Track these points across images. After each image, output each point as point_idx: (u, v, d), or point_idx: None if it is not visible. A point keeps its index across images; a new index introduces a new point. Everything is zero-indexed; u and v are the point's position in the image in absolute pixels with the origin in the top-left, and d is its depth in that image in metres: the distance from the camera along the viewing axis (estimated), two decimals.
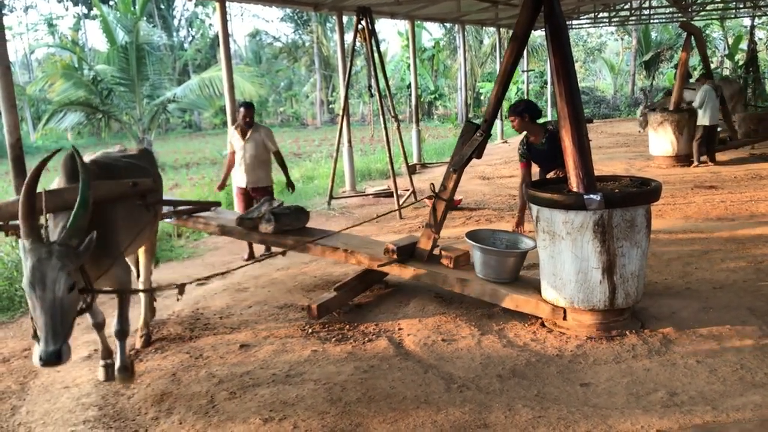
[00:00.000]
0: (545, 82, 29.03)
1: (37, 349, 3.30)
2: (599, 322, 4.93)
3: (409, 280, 5.84)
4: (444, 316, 5.53)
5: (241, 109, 7.97)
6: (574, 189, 4.88)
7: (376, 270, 5.82)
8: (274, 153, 8.03)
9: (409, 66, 23.14)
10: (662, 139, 13.45)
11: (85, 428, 4.01)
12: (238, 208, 8.10)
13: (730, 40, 29.97)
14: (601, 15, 22.30)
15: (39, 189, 3.75)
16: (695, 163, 13.16)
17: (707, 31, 32.62)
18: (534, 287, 5.26)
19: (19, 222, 3.46)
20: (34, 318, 3.40)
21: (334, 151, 11.06)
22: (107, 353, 4.47)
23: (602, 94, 35.97)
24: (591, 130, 18.00)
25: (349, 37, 12.74)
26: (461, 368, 4.56)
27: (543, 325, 5.20)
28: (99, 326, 4.44)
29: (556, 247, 4.88)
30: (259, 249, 7.91)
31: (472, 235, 5.55)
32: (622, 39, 40.78)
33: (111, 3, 32.65)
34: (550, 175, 6.03)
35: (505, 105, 17.48)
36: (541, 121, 6.19)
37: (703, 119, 13.07)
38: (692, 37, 13.96)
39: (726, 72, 30.24)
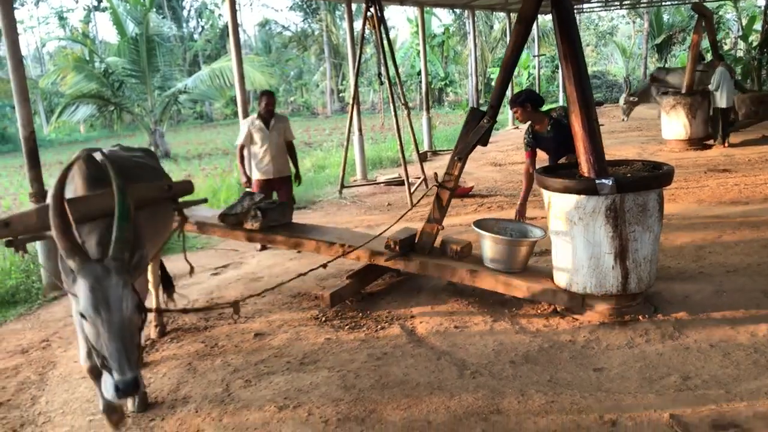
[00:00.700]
0: (557, 67, 28.88)
1: (108, 381, 2.93)
2: (612, 307, 4.93)
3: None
4: (456, 303, 5.54)
5: (264, 98, 7.82)
6: (585, 174, 4.87)
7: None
8: (288, 143, 7.94)
9: (418, 53, 23.05)
10: (675, 123, 13.35)
11: (103, 417, 4.06)
12: None
13: (744, 21, 29.56)
14: None
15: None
16: (720, 143, 13.16)
17: (720, 12, 32.23)
18: (545, 275, 5.25)
19: (56, 239, 3.06)
20: (97, 347, 2.99)
21: (344, 140, 11.06)
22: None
23: (614, 78, 35.69)
24: (602, 115, 17.91)
25: (358, 25, 12.67)
26: (474, 354, 4.58)
27: (556, 311, 5.21)
28: (96, 370, 3.89)
29: (569, 233, 4.87)
30: None
31: (479, 225, 5.47)
32: (633, 22, 40.41)
33: None
34: (562, 160, 5.97)
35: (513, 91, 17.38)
36: (547, 107, 6.17)
37: (720, 101, 13.04)
38: (704, 20, 13.85)
39: (740, 53, 29.90)
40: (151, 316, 5.32)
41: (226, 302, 3.97)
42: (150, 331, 5.28)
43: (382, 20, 10.38)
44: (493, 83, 33.68)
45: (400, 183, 11.43)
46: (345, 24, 14.17)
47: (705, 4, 18.60)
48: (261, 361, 4.72)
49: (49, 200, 3.21)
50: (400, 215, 5.84)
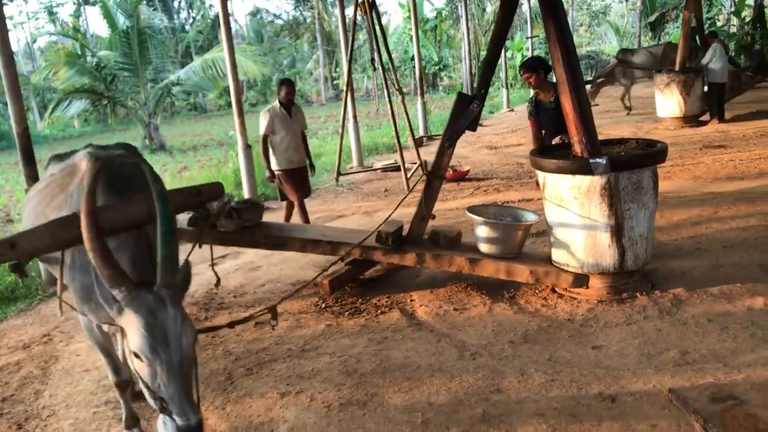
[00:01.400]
0: None
1: (168, 425, 2.50)
2: (609, 285, 4.96)
3: None
4: (455, 285, 5.57)
5: (284, 86, 7.61)
6: (579, 155, 4.89)
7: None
8: (302, 133, 7.78)
9: (411, 38, 22.98)
10: (669, 101, 13.35)
11: (107, 409, 4.10)
12: (290, 193, 7.62)
13: None
14: None
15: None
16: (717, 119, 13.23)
17: None
18: (541, 258, 5.26)
19: (96, 265, 2.56)
20: (152, 387, 2.50)
21: (340, 127, 11.06)
22: (133, 421, 3.76)
23: (608, 58, 35.59)
24: (598, 94, 17.87)
25: (349, 11, 12.65)
26: (473, 336, 4.61)
27: (554, 290, 5.23)
28: (125, 385, 3.68)
29: (565, 213, 4.89)
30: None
31: (473, 211, 5.37)
32: (626, 0, 40.28)
33: None
34: (555, 140, 5.97)
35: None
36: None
37: (714, 76, 13.06)
38: None
39: (733, 29, 29.82)
40: None
41: (263, 309, 3.77)
42: None
43: (373, 6, 10.34)
44: None
45: (397, 168, 11.44)
46: (337, 11, 14.11)
47: None
48: (262, 349, 4.75)
49: (84, 221, 2.61)
50: (398, 202, 5.80)
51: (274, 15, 44.48)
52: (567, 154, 5.07)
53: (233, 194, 6.99)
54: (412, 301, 5.40)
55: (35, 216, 3.38)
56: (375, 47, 10.60)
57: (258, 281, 6.38)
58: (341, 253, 5.41)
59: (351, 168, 12.67)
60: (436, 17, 35.12)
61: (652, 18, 33.82)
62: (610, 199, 4.70)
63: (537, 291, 5.29)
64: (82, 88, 20.68)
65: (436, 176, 5.38)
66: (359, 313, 5.27)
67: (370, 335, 4.78)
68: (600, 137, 5.20)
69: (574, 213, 4.83)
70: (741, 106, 14.75)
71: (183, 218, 5.65)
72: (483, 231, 5.16)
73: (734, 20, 29.49)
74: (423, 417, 3.61)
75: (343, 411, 3.76)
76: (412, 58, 23.76)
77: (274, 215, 8.76)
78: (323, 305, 5.49)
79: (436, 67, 35.46)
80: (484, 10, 33.98)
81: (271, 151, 7.52)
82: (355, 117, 12.66)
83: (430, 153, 12.16)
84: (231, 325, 3.92)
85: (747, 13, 28.32)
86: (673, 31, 33.36)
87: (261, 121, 7.53)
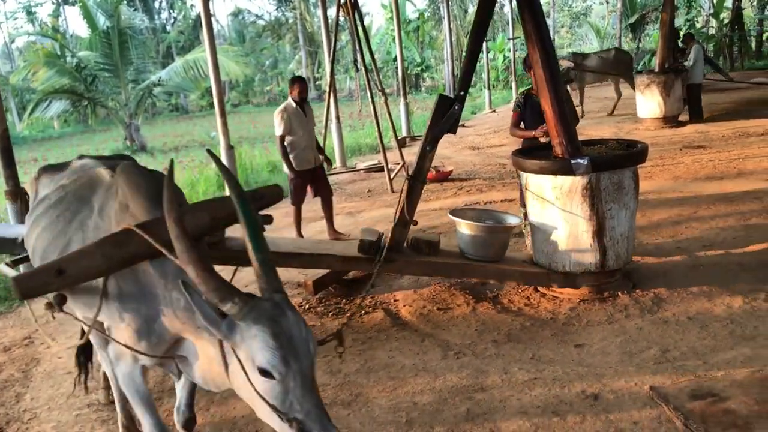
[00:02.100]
0: None
1: None
2: (591, 284, 5.00)
3: None
4: (438, 285, 5.59)
5: (297, 84, 7.42)
6: (560, 155, 4.93)
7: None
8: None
9: (394, 39, 23.03)
10: (649, 101, 13.47)
11: (89, 411, 4.07)
12: (307, 192, 7.51)
13: None
14: None
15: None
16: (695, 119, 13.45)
17: None
18: (524, 260, 5.30)
19: (198, 280, 2.18)
20: (283, 408, 2.17)
21: (322, 128, 11.05)
22: None
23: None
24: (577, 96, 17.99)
25: (332, 12, 12.65)
26: (457, 335, 4.63)
27: (536, 290, 5.27)
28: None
29: (547, 213, 4.93)
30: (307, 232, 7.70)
31: (455, 215, 5.28)
32: (607, 2, 40.61)
33: None
34: (538, 131, 5.83)
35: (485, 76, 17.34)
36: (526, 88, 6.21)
37: (695, 77, 13.28)
38: None
39: (712, 31, 30.19)
40: None
41: (329, 335, 3.50)
42: None
43: (356, 7, 10.35)
44: None
45: (380, 169, 11.45)
46: (319, 11, 14.10)
47: None
48: None
49: (174, 231, 2.26)
50: (378, 201, 5.80)
51: (256, 15, 44.36)
52: (548, 155, 5.11)
53: None
54: (396, 301, 5.41)
55: (51, 237, 2.98)
56: (358, 48, 10.61)
57: (241, 282, 6.34)
58: (322, 266, 5.41)
59: (334, 169, 12.66)
60: (419, 18, 35.21)
61: (632, 20, 34.08)
62: (591, 199, 4.75)
63: (520, 290, 5.32)
64: (62, 89, 20.50)
65: (417, 181, 5.24)
66: (343, 313, 5.27)
67: (354, 335, 4.79)
68: (581, 138, 5.25)
69: (555, 213, 4.87)
70: (720, 107, 14.93)
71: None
72: (469, 235, 5.11)
73: (713, 22, 29.86)
74: (407, 416, 3.63)
75: (328, 411, 3.75)
76: (395, 59, 23.80)
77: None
78: (307, 306, 5.49)
79: (419, 68, 35.55)
80: (466, 11, 34.12)
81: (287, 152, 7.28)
82: (338, 117, 12.66)
83: (413, 153, 12.13)
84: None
85: (725, 15, 28.70)
86: (653, 33, 33.65)
87: (276, 122, 7.30)
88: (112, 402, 3.71)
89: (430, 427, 3.50)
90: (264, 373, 2.15)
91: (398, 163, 11.07)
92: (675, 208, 7.31)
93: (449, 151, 13.35)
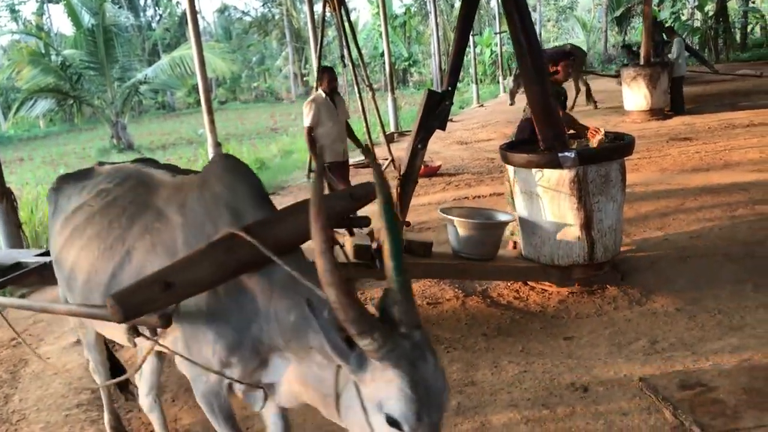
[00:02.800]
0: None
1: None
2: (580, 276, 5.02)
3: None
4: (428, 279, 5.59)
5: (326, 74, 7.21)
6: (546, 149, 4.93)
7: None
8: (346, 123, 7.38)
9: (381, 34, 23.00)
10: (636, 94, 13.52)
11: (78, 411, 4.05)
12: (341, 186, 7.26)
13: None
14: None
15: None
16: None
17: None
18: (515, 256, 5.30)
19: (339, 306, 1.79)
20: None
21: (354, 120, 11.02)
22: None
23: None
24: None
25: (318, 7, 12.59)
26: (447, 329, 4.64)
27: (525, 283, 5.29)
28: None
29: (535, 206, 4.94)
30: None
31: (447, 213, 5.18)
32: None
33: None
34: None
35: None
36: None
37: (678, 70, 13.39)
38: None
39: (697, 23, 30.34)
40: None
41: None
42: None
43: (342, 2, 10.31)
44: None
45: (368, 165, 11.41)
46: (305, 7, 14.08)
47: None
48: None
49: (320, 246, 1.81)
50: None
51: (243, 12, 44.24)
52: (536, 149, 5.12)
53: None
54: None
55: (104, 246, 2.63)
56: (344, 43, 10.57)
57: None
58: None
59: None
60: (405, 13, 35.19)
61: (617, 13, 34.24)
62: (578, 192, 4.75)
63: (509, 284, 5.33)
64: (47, 88, 20.35)
65: (409, 180, 5.18)
66: None
67: None
68: (568, 131, 5.26)
69: (543, 206, 4.88)
70: (706, 99, 15.01)
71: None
72: (462, 233, 5.00)
73: (698, 14, 30.01)
74: None
75: (312, 407, 3.76)
76: (382, 54, 23.78)
77: None
78: None
79: (406, 63, 35.54)
80: (452, 6, 34.08)
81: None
82: None
83: (401, 149, 12.17)
84: None
85: (710, 8, 28.84)
86: (639, 26, 33.79)
87: (304, 113, 7.14)
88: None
89: None
90: (392, 423, 1.85)
91: (387, 159, 11.06)
92: (662, 200, 7.35)
93: (438, 146, 13.35)
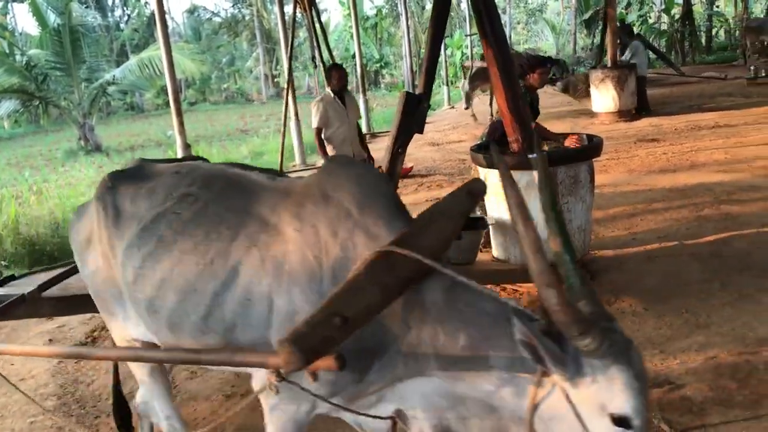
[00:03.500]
0: None
1: None
2: None
3: None
4: None
5: (335, 72, 6.91)
6: (517, 151, 4.96)
7: None
8: (356, 123, 7.10)
9: (352, 35, 23.02)
10: (604, 96, 13.68)
11: (44, 418, 3.98)
12: None
13: None
14: None
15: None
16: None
17: None
18: (491, 260, 5.31)
19: (558, 310, 1.71)
20: None
21: (281, 126, 10.98)
22: None
23: (545, 55, 36.30)
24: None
25: (289, 8, 12.56)
26: None
27: (497, 283, 5.31)
28: None
29: (505, 208, 4.94)
30: None
31: None
32: None
33: None
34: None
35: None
36: None
37: (638, 71, 13.71)
38: None
39: (664, 26, 30.82)
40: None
41: None
42: None
43: (312, 3, 10.30)
44: None
45: None
46: (276, 8, 14.01)
47: None
48: None
49: (533, 248, 1.76)
50: None
51: (212, 13, 43.86)
52: (506, 150, 5.14)
53: None
54: None
55: (204, 261, 2.30)
56: (315, 45, 10.56)
57: None
58: None
59: (294, 166, 12.59)
60: (377, 15, 35.23)
61: (586, 15, 34.61)
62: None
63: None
64: (12, 88, 19.94)
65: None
66: None
67: None
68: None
69: None
70: (673, 101, 15.26)
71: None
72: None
73: (665, 18, 30.50)
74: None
75: None
76: (353, 56, 23.80)
77: None
78: None
79: (378, 65, 35.57)
80: (423, 8, 34.24)
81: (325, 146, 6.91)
82: (297, 115, 12.58)
83: (374, 150, 12.12)
84: None
85: (676, 11, 29.33)
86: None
87: (312, 113, 6.92)
88: None
89: None
90: (620, 422, 1.75)
91: (363, 160, 11.05)
92: (630, 200, 7.44)
93: (409, 148, 13.17)
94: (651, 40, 25.06)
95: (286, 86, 11.36)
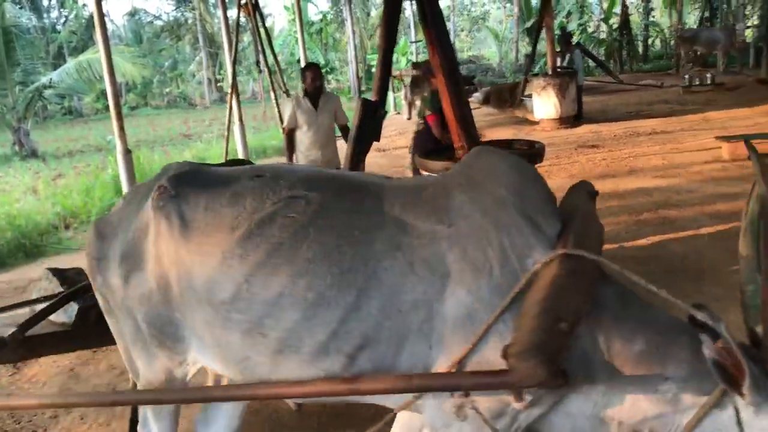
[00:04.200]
0: None
1: None
2: None
3: None
4: None
5: (308, 72, 6.57)
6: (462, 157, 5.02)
7: None
8: (342, 127, 6.70)
9: (297, 40, 22.93)
10: (546, 103, 13.96)
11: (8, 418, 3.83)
12: None
13: (605, 5, 31.30)
14: None
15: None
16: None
17: None
18: None
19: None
20: None
21: (225, 131, 10.84)
22: None
23: (488, 62, 36.83)
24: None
25: (232, 12, 12.42)
26: None
27: None
28: None
29: None
30: None
31: None
32: (504, 7, 41.81)
33: None
34: None
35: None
36: None
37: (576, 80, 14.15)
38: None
39: (603, 35, 31.63)
40: None
41: None
42: None
43: (257, 7, 10.21)
44: (374, 70, 34.07)
45: None
46: (219, 12, 13.83)
47: None
48: None
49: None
50: None
51: (154, 16, 43.04)
52: (452, 156, 5.19)
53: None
54: None
55: (340, 270, 2.05)
56: (260, 49, 10.47)
57: None
58: None
59: None
60: (322, 20, 35.13)
61: (528, 24, 35.25)
62: None
63: None
64: None
65: None
66: None
67: None
68: (482, 140, 5.37)
69: None
70: (611, 108, 15.68)
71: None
72: None
73: (604, 27, 31.31)
74: (318, 421, 3.60)
75: None
76: (299, 61, 23.69)
77: None
78: None
79: (323, 70, 35.43)
80: (368, 14, 34.38)
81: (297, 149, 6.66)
82: (241, 119, 12.42)
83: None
84: None
85: (614, 21, 30.16)
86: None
87: (285, 114, 6.72)
88: None
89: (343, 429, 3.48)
90: None
91: (337, 167, 10.98)
92: None
93: None
94: (590, 48, 25.68)
95: (230, 91, 11.21)
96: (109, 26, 34.18)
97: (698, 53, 22.05)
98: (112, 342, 2.65)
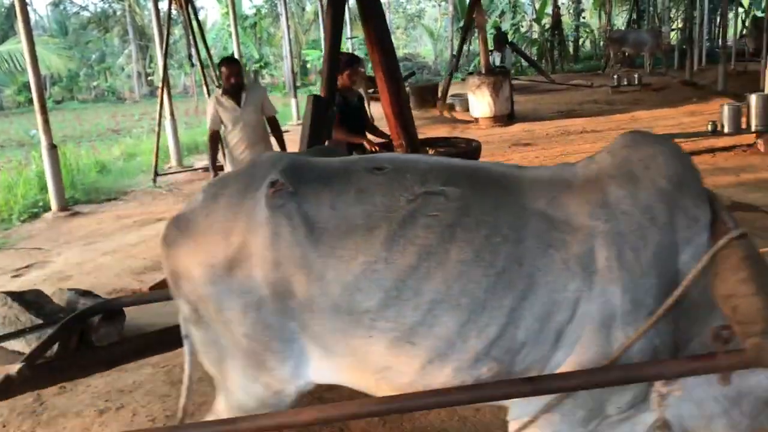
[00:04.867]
0: None
1: None
2: None
3: None
4: None
5: (225, 68, 6.21)
6: None
7: None
8: (270, 119, 6.34)
9: (230, 34, 22.55)
10: (481, 101, 14.15)
11: None
12: None
13: (537, 5, 31.95)
14: None
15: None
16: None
17: None
18: None
19: None
20: None
21: (156, 126, 10.57)
22: None
23: (424, 60, 37.09)
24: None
25: (164, 5, 12.10)
26: None
27: None
28: None
29: None
30: None
31: None
32: (439, 5, 42.16)
33: None
34: (368, 144, 5.41)
35: None
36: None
37: None
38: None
39: (535, 35, 32.30)
40: None
41: None
42: None
43: (189, 0, 9.98)
44: (308, 65, 33.76)
45: (221, 168, 11.11)
46: (150, 4, 13.47)
47: None
48: None
49: None
50: None
51: (81, 6, 41.55)
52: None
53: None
54: None
55: (497, 273, 1.92)
56: (192, 43, 10.25)
57: None
58: None
59: (170, 168, 12.14)
60: (256, 14, 34.67)
61: (463, 23, 35.68)
62: None
63: None
64: None
65: None
66: None
67: None
68: (419, 137, 5.39)
69: None
70: (544, 107, 16.02)
71: None
72: None
73: (536, 27, 31.97)
74: None
75: (171, 422, 3.58)
76: (232, 55, 23.35)
77: None
78: None
79: (258, 65, 34.97)
80: (303, 9, 34.08)
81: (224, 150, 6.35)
82: (172, 114, 12.14)
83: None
84: None
85: (546, 21, 30.82)
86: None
87: (208, 114, 6.36)
88: None
89: None
90: None
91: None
92: None
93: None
94: (523, 48, 26.17)
95: (161, 85, 10.95)
96: (32, 16, 32.91)
97: (626, 54, 22.78)
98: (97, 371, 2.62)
